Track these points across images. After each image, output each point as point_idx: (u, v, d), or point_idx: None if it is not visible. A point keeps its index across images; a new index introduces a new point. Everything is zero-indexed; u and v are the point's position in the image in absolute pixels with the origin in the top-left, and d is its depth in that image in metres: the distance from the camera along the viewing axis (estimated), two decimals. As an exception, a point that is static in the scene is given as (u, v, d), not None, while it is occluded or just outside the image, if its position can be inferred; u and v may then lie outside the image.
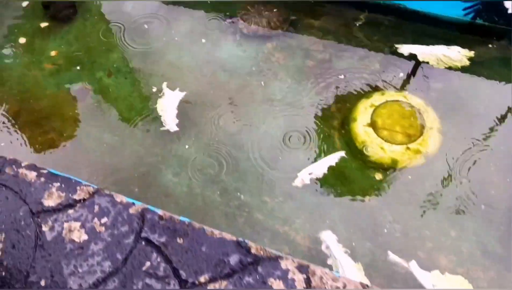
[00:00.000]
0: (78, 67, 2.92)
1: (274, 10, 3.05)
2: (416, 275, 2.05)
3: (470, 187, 2.30)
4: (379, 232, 2.22)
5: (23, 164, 1.79)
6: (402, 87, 2.68)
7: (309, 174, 2.35)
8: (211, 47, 2.99)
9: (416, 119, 2.50)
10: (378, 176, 2.39)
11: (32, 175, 1.75)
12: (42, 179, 1.74)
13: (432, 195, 2.30)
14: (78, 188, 1.71)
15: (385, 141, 2.43)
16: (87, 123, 2.69)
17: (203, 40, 3.02)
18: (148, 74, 2.85)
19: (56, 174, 1.76)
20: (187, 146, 2.55)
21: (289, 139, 2.53)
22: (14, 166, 1.78)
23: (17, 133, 2.68)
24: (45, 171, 1.77)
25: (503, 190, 2.28)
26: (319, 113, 2.62)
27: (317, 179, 2.37)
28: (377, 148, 2.42)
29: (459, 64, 2.72)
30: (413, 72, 2.73)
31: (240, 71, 2.84)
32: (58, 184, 1.72)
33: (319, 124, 2.58)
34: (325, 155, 2.45)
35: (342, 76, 2.75)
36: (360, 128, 2.50)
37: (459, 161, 2.38)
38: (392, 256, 2.12)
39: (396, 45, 2.80)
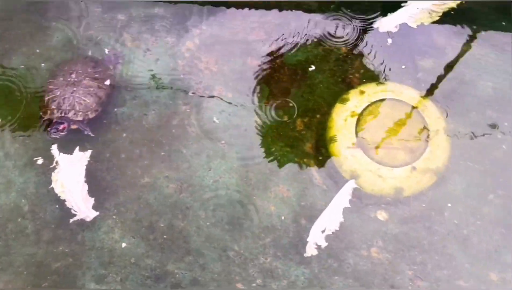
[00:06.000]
0: None
1: None
2: None
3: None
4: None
5: None
6: (383, 76, 1.95)
7: (322, 231, 1.65)
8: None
9: (417, 123, 1.81)
10: (382, 215, 1.73)
11: None
12: None
13: (457, 225, 1.70)
14: None
15: (382, 164, 1.75)
16: None
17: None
18: (21, 127, 1.88)
19: None
20: (106, 232, 1.73)
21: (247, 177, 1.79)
22: None
23: None
24: None
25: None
26: (280, 134, 1.87)
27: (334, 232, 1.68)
28: (372, 176, 1.74)
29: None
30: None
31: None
32: None
33: (284, 151, 1.84)
34: (301, 196, 1.74)
35: (312, 68, 1.98)
36: (344, 151, 1.79)
37: (482, 169, 1.77)
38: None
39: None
